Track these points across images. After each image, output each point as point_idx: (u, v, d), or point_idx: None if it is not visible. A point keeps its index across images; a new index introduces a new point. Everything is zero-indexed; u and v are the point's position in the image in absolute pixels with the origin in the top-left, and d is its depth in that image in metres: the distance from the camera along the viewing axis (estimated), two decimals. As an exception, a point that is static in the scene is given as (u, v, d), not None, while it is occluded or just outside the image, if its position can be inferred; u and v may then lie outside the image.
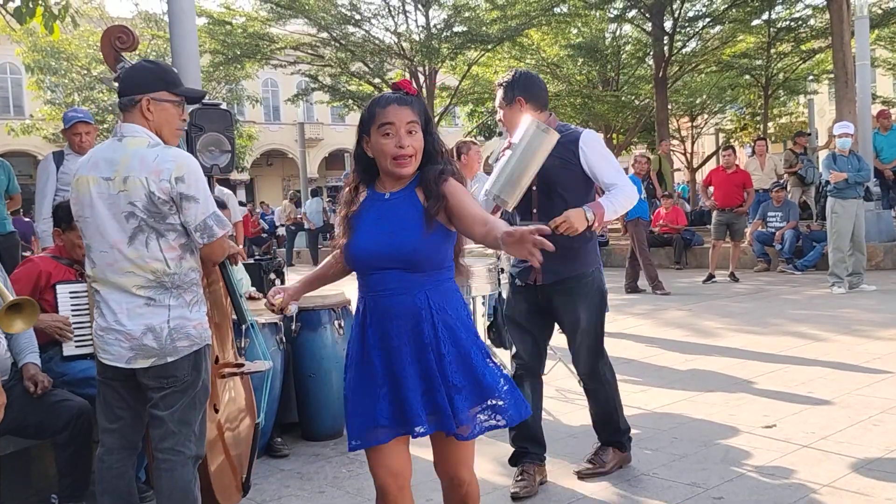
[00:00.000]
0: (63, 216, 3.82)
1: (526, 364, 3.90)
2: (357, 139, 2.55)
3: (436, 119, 18.52)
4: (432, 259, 2.46)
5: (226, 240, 2.93)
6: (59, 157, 5.71)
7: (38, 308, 2.88)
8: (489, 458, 4.21)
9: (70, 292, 3.80)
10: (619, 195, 3.59)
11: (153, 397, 2.84)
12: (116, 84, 2.98)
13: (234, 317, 3.64)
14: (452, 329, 2.46)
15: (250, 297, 4.60)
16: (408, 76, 21.34)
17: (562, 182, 3.65)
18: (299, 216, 20.52)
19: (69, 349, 3.75)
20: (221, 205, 4.28)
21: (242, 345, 4.07)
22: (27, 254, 7.05)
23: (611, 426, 3.96)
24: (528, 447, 3.83)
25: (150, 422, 2.90)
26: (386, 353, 2.46)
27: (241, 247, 4.25)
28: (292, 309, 2.74)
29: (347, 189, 2.63)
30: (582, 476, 3.86)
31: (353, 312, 2.61)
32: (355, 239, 2.51)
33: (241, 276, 4.80)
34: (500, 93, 3.79)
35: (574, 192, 3.65)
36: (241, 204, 23.65)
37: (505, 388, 2.50)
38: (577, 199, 3.59)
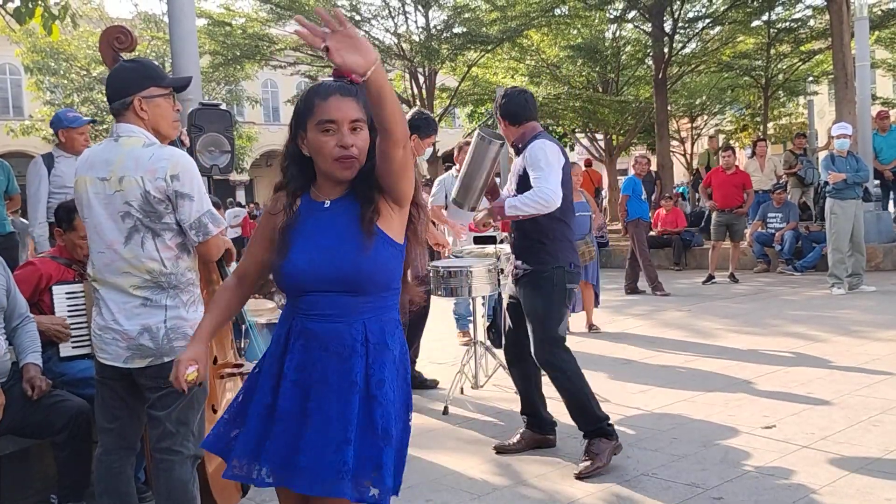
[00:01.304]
0: (64, 216, 3.82)
1: (509, 351, 4.41)
2: (290, 134, 2.17)
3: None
4: (377, 278, 2.08)
5: (221, 238, 2.93)
6: (48, 160, 5.66)
7: None
8: (486, 459, 4.22)
9: (66, 293, 3.80)
10: (528, 196, 3.92)
11: (151, 397, 2.84)
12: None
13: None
14: (390, 369, 2.10)
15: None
16: (408, 77, 21.38)
17: (522, 187, 4.06)
18: None
19: (66, 350, 3.75)
20: (216, 205, 4.29)
21: (242, 345, 4.07)
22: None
23: (587, 415, 4.06)
24: (528, 417, 4.37)
25: (149, 422, 2.90)
26: (300, 388, 2.07)
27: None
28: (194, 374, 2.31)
29: (283, 193, 2.20)
30: (582, 475, 3.88)
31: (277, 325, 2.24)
32: (289, 256, 2.10)
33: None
34: None
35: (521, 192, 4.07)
36: (239, 205, 23.77)
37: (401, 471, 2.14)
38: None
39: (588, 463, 3.92)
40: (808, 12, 20.03)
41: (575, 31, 21.51)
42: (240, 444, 2.11)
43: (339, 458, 1.98)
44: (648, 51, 20.52)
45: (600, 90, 22.63)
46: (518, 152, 4.20)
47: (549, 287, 4.03)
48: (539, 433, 4.36)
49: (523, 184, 4.06)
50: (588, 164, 19.38)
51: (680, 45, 20.01)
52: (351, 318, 2.07)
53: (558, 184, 3.95)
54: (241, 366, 3.56)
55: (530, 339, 4.11)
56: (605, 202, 22.85)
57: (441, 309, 7.13)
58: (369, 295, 2.08)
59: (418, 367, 5.93)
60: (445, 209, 6.31)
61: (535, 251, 4.05)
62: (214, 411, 3.38)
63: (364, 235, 2.05)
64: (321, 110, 2.06)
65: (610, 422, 4.08)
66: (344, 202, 2.12)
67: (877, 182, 12.02)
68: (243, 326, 3.78)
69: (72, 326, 3.74)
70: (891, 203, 13.08)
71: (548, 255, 4.05)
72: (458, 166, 5.88)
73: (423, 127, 5.52)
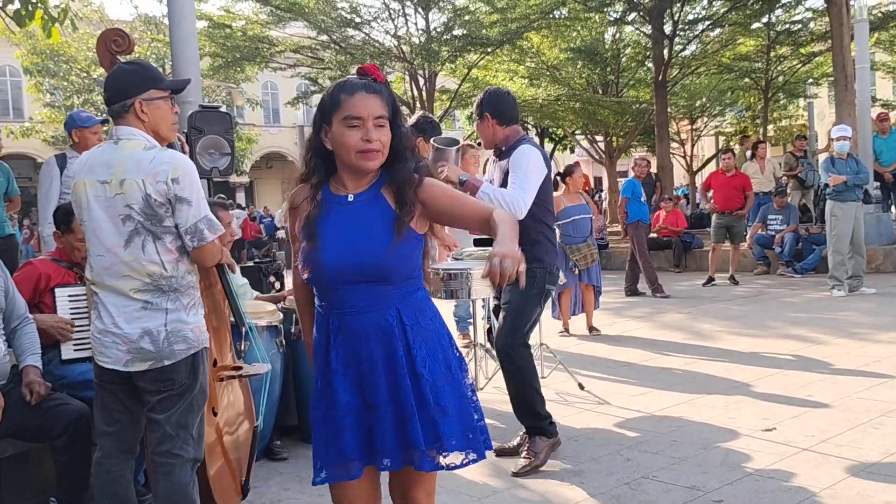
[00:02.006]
0: (62, 219, 3.82)
1: None
2: (315, 128, 2.23)
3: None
4: (402, 269, 2.19)
5: (217, 244, 2.91)
6: (62, 160, 5.69)
7: None
8: (486, 461, 4.21)
9: (69, 296, 3.80)
10: (505, 192, 3.94)
11: (151, 401, 2.84)
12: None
13: (233, 319, 3.63)
14: (430, 345, 2.22)
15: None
16: (408, 79, 21.38)
17: (506, 183, 4.07)
18: None
19: (67, 352, 3.74)
20: (225, 206, 4.29)
21: (243, 348, 4.07)
22: None
23: (531, 412, 4.14)
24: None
25: (148, 425, 2.89)
26: (353, 379, 2.19)
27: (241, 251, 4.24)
28: None
29: (305, 186, 2.28)
30: (519, 474, 3.98)
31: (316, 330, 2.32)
32: (316, 249, 2.19)
33: (242, 281, 4.79)
34: (474, 110, 4.28)
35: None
36: (240, 207, 23.77)
37: (480, 423, 2.26)
38: None
39: (526, 462, 4.04)
40: (808, 15, 20.02)
41: (575, 34, 21.51)
42: (333, 449, 2.22)
43: (407, 435, 2.14)
44: (648, 53, 20.51)
45: (600, 92, 22.62)
46: (499, 154, 4.22)
47: (530, 284, 4.01)
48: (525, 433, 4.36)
49: (506, 185, 4.08)
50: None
51: (680, 47, 20.00)
52: (384, 307, 2.17)
53: (531, 197, 4.00)
54: (239, 368, 3.56)
55: (498, 327, 4.18)
56: (605, 204, 22.86)
57: (441, 311, 7.12)
58: (397, 284, 2.18)
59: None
60: None
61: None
62: (215, 414, 3.38)
63: (394, 232, 2.15)
64: (347, 106, 2.15)
65: (551, 420, 4.18)
66: (367, 196, 2.21)
67: (877, 184, 12.01)
68: (243, 329, 3.77)
69: (75, 329, 3.74)
70: (891, 205, 13.08)
71: (532, 256, 3.98)
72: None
73: (429, 130, 5.57)
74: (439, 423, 2.14)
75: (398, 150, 2.21)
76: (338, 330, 2.20)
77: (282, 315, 4.61)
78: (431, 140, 4.27)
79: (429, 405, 2.15)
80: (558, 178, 7.57)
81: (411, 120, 5.76)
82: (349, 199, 2.22)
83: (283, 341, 4.53)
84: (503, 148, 4.19)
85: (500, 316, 4.24)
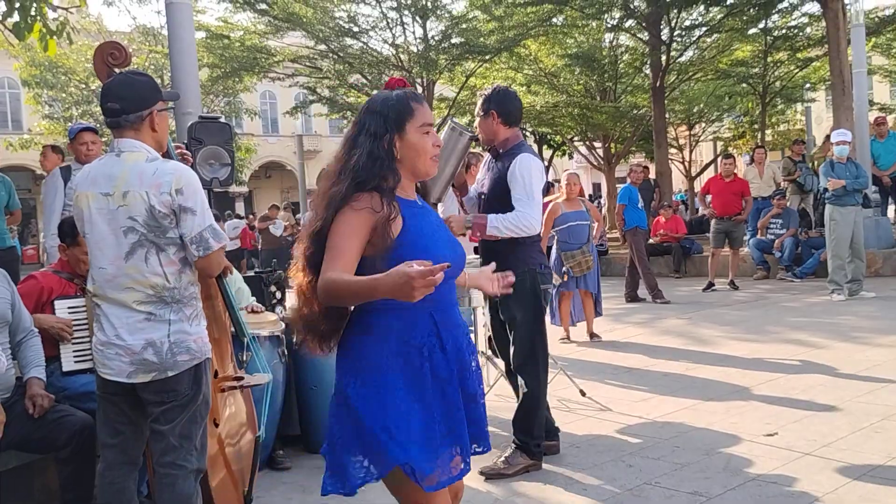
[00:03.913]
0: (68, 231, 3.83)
1: (509, 360, 4.38)
2: (378, 136, 2.21)
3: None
4: None
5: (222, 253, 2.92)
6: (66, 172, 5.73)
7: None
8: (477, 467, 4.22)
9: (69, 307, 3.80)
10: (512, 217, 3.99)
11: (154, 412, 2.84)
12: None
13: (233, 330, 3.64)
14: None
15: (252, 311, 4.60)
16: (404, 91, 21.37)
17: (497, 194, 4.11)
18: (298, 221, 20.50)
19: (68, 364, 3.74)
20: (216, 218, 4.29)
21: (244, 358, 4.07)
22: None
23: (529, 429, 4.15)
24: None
25: (151, 436, 2.90)
26: (458, 371, 2.27)
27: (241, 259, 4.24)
28: None
29: (377, 194, 2.20)
30: (484, 472, 4.05)
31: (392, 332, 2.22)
32: (432, 248, 2.20)
33: (238, 285, 4.80)
34: (478, 103, 4.25)
35: (506, 204, 4.06)
36: (239, 217, 23.75)
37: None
38: (506, 210, 4.03)
39: (500, 466, 4.08)
40: (805, 20, 20.07)
41: (572, 41, 21.57)
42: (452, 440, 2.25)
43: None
44: (646, 59, 20.55)
45: (598, 99, 22.67)
46: (496, 155, 4.23)
47: (522, 291, 4.00)
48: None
49: (498, 189, 4.09)
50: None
51: (677, 53, 20.04)
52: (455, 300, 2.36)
53: (538, 208, 4.07)
54: (241, 379, 3.56)
55: (512, 342, 4.17)
56: (604, 210, 22.88)
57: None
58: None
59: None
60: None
61: (504, 256, 3.93)
62: (217, 425, 3.39)
63: None
64: (421, 114, 2.25)
65: (540, 444, 4.18)
66: (422, 202, 2.37)
67: (875, 188, 12.03)
68: (245, 339, 3.77)
69: (74, 340, 3.74)
70: (890, 209, 13.09)
71: (517, 259, 4.02)
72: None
73: None
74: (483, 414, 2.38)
75: None
76: (443, 323, 2.25)
77: (283, 325, 4.61)
78: (451, 119, 4.28)
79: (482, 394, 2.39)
80: (555, 183, 7.56)
81: None
82: (419, 204, 2.34)
83: (285, 351, 4.53)
84: (501, 150, 4.20)
85: (511, 336, 4.22)
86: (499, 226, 3.98)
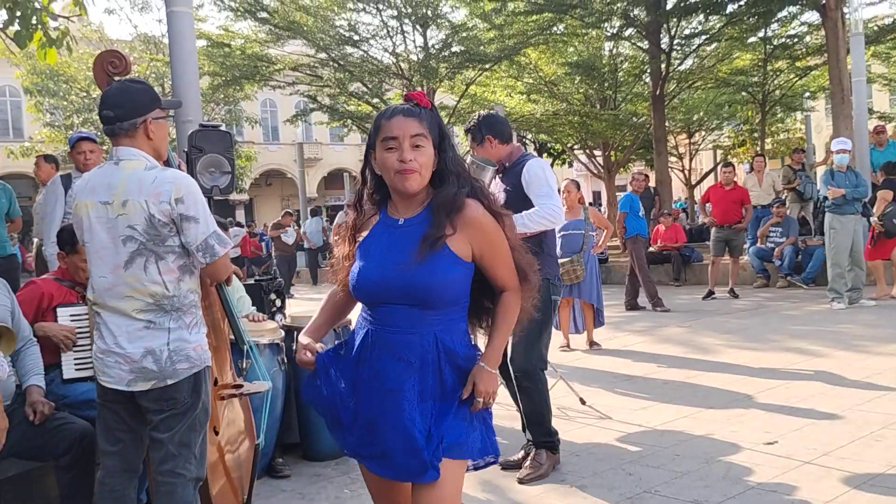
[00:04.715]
0: (67, 239, 3.84)
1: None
2: (365, 155, 2.33)
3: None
4: (444, 296, 2.23)
5: (228, 258, 2.93)
6: (67, 181, 5.74)
7: (16, 337, 2.90)
8: (489, 476, 4.21)
9: (71, 315, 3.80)
10: (536, 213, 4.09)
11: (153, 420, 2.84)
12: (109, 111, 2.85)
13: (233, 337, 3.64)
14: (460, 376, 2.29)
15: (252, 319, 4.60)
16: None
17: (510, 203, 4.10)
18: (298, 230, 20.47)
19: (69, 371, 3.74)
20: (223, 226, 4.30)
21: (244, 366, 4.07)
22: None
23: (542, 427, 4.28)
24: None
25: (151, 444, 2.89)
26: (377, 394, 2.26)
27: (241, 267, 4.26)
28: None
29: (352, 209, 2.39)
30: (523, 481, 4.11)
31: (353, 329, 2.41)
32: (363, 267, 2.28)
33: (240, 294, 4.80)
34: (469, 138, 4.40)
35: (516, 210, 4.06)
36: (239, 225, 23.76)
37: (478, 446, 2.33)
38: None
39: (531, 471, 4.17)
40: (804, 29, 20.13)
41: (572, 49, 21.61)
42: (346, 439, 2.37)
43: (417, 460, 2.19)
44: (645, 67, 20.59)
45: (598, 107, 22.70)
46: (503, 170, 4.32)
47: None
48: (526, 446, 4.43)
49: (513, 200, 4.12)
50: None
51: (677, 61, 20.09)
52: (423, 330, 2.23)
53: (558, 200, 4.19)
54: (240, 386, 3.56)
55: (513, 347, 4.20)
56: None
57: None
58: (438, 309, 2.23)
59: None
60: None
61: None
62: (216, 433, 3.38)
63: (418, 253, 2.20)
64: (385, 128, 2.22)
65: (559, 438, 4.34)
66: (418, 220, 2.27)
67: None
68: (244, 347, 3.77)
69: (76, 348, 3.74)
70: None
71: None
72: None
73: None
74: (464, 434, 2.27)
75: (441, 174, 2.27)
76: (373, 344, 2.27)
77: (283, 333, 4.61)
78: (471, 157, 4.37)
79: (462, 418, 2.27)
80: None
81: None
82: (399, 223, 2.29)
83: (285, 359, 4.53)
84: (507, 165, 4.30)
85: (515, 340, 4.22)
86: (527, 222, 4.06)
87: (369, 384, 2.27)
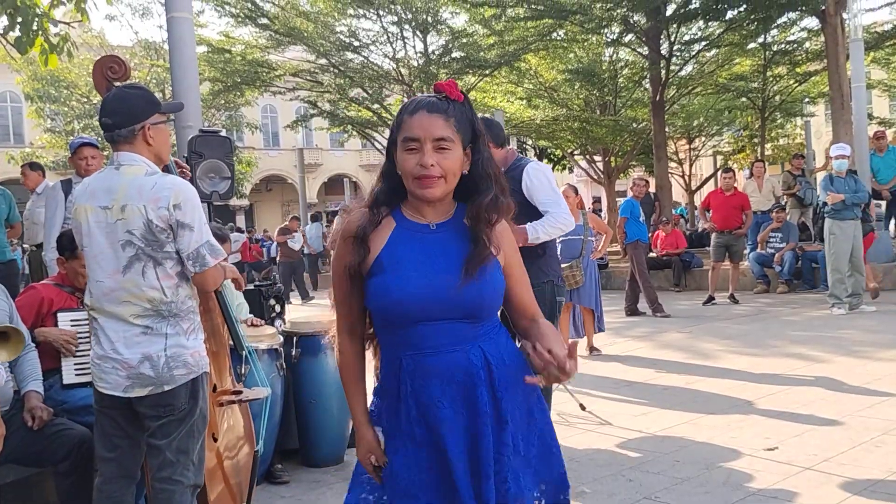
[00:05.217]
0: (66, 244, 3.84)
1: None
2: (387, 150, 2.02)
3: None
4: (495, 304, 2.00)
5: (219, 269, 2.92)
6: (67, 186, 5.74)
7: (24, 338, 2.89)
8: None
9: (71, 320, 3.80)
10: (548, 221, 4.09)
11: (151, 426, 2.84)
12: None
13: (232, 343, 3.64)
14: (514, 386, 1.97)
15: (252, 325, 4.60)
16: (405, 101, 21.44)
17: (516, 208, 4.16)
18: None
19: (69, 377, 3.74)
20: (222, 238, 4.29)
21: (242, 371, 4.07)
22: None
23: None
24: None
25: (148, 451, 2.89)
26: (428, 428, 1.93)
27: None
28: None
29: (367, 212, 2.01)
30: None
31: (376, 374, 2.09)
32: (398, 279, 1.92)
33: (239, 300, 4.80)
34: None
35: (528, 214, 4.13)
36: (239, 230, 23.76)
37: (561, 472, 2.06)
38: (520, 223, 4.06)
39: None
40: (804, 34, 20.14)
41: (572, 55, 21.63)
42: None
43: (488, 490, 1.90)
44: (645, 73, 20.60)
45: (598, 112, 22.72)
46: None
47: (542, 301, 4.04)
48: None
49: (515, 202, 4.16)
50: None
51: (677, 67, 20.11)
52: (468, 346, 1.94)
53: (566, 206, 4.22)
54: (239, 393, 3.56)
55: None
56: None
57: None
58: (485, 320, 1.98)
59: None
60: None
61: (528, 267, 4.04)
62: (215, 439, 3.38)
63: (464, 272, 1.92)
64: (406, 127, 1.93)
65: None
66: (452, 226, 2.00)
67: (878, 203, 12.06)
68: (243, 353, 3.77)
69: (77, 353, 3.74)
70: (890, 223, 13.09)
71: (539, 270, 4.13)
72: None
73: None
74: (521, 478, 1.95)
75: (474, 179, 1.98)
76: (412, 373, 1.94)
77: (282, 338, 4.61)
78: None
79: (516, 454, 1.95)
80: None
81: None
82: (432, 228, 1.99)
83: (284, 364, 4.53)
84: (504, 169, 4.26)
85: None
86: (540, 231, 4.08)
87: (421, 421, 1.94)
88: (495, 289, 1.97)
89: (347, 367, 2.12)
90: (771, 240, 12.37)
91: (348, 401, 2.12)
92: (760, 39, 20.03)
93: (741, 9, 16.50)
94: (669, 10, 17.69)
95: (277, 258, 18.91)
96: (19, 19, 6.96)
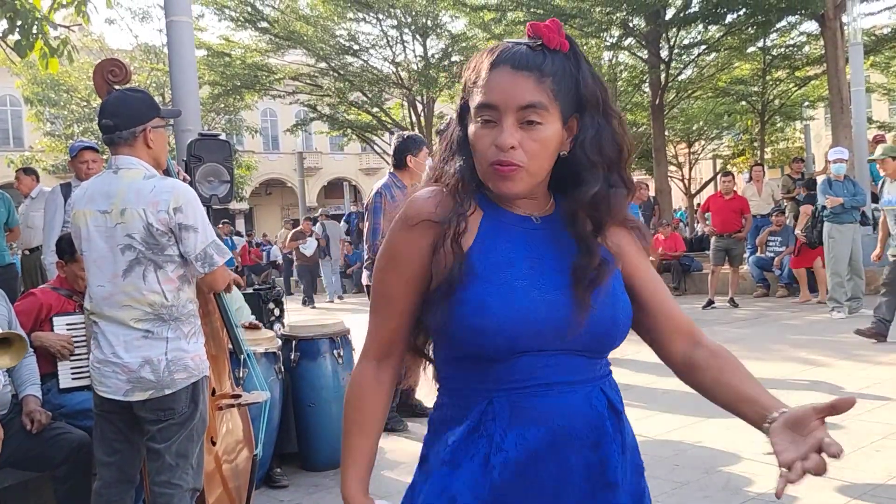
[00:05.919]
0: (66, 248, 3.83)
1: None
2: (458, 113, 1.42)
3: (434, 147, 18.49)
4: (624, 336, 1.49)
5: (226, 268, 2.93)
6: (66, 189, 5.74)
7: (27, 343, 2.89)
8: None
9: (67, 324, 3.80)
10: None
11: (150, 430, 2.83)
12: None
13: (231, 346, 3.63)
14: (633, 448, 1.52)
15: (251, 327, 4.60)
16: (406, 105, 21.48)
17: None
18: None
19: (66, 381, 3.74)
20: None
21: (241, 375, 4.06)
22: None
23: None
24: None
25: (147, 455, 2.89)
26: (529, 498, 1.34)
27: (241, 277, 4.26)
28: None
29: (439, 192, 1.38)
30: None
31: (441, 423, 1.49)
32: (501, 293, 1.31)
33: (239, 304, 4.80)
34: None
35: None
36: (238, 234, 23.73)
37: None
38: None
39: None
40: (803, 38, 20.17)
41: (572, 59, 21.65)
42: None
43: None
44: (645, 77, 20.64)
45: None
46: None
47: None
48: None
49: None
50: None
51: (676, 71, 20.13)
52: (588, 386, 1.42)
53: None
54: (238, 396, 3.55)
55: None
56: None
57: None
58: (604, 356, 1.50)
59: (419, 396, 5.91)
60: None
61: None
62: (213, 443, 3.37)
63: (575, 288, 1.36)
64: (483, 86, 1.32)
65: None
66: (559, 220, 1.41)
67: (875, 206, 12.04)
68: (241, 356, 3.77)
69: (73, 358, 3.74)
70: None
71: None
72: None
73: (411, 146, 5.53)
74: None
75: (576, 164, 1.36)
76: (509, 419, 1.33)
77: (280, 342, 4.61)
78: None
79: None
80: None
81: (393, 145, 5.72)
82: (535, 221, 1.40)
83: (282, 368, 4.52)
84: None
85: None
86: None
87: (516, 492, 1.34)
88: (629, 315, 1.46)
89: (360, 407, 1.48)
90: (770, 243, 12.37)
91: (342, 455, 1.46)
92: (760, 43, 20.07)
93: (741, 12, 16.52)
94: (669, 14, 17.72)
95: (294, 261, 17.99)
96: (19, 23, 6.96)
